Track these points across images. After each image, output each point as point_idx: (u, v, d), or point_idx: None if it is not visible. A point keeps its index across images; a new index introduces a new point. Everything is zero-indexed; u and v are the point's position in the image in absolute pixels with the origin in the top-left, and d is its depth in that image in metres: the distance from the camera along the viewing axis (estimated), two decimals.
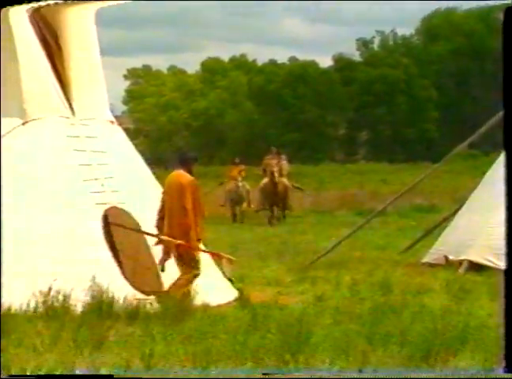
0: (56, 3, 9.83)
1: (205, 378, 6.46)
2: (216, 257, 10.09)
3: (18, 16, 9.69)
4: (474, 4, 56.51)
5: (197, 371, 6.49)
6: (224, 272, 10.09)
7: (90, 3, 10.15)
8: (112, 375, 6.32)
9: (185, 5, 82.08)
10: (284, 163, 23.20)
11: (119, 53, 71.15)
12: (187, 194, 9.30)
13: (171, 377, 6.41)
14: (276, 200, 22.23)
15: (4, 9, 9.34)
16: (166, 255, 9.38)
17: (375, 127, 55.07)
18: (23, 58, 9.71)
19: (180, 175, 9.50)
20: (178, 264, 9.40)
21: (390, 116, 54.13)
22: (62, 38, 10.03)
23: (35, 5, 9.64)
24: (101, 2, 10.29)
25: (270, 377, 6.35)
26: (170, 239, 9.29)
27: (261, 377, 6.34)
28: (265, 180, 22.68)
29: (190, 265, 9.33)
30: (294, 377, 6.34)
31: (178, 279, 9.34)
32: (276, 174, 22.25)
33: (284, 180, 22.72)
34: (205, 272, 9.93)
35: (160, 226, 9.47)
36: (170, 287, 9.36)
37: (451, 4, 59.20)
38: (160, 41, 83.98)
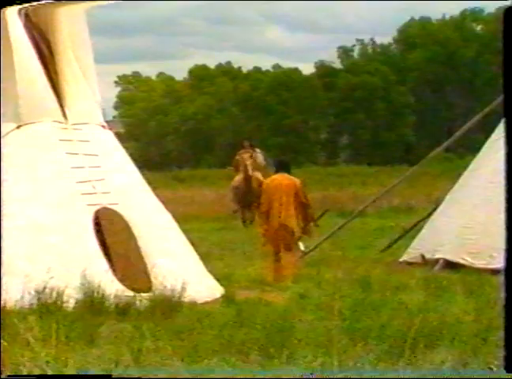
0: (48, 3, 9.83)
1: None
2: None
3: (14, 19, 9.73)
4: (447, 12, 57.07)
5: (184, 365, 6.49)
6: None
7: (82, 3, 10.20)
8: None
9: (172, 15, 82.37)
10: (259, 156, 20.56)
11: (110, 60, 71.30)
12: (300, 193, 11.51)
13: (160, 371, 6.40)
14: (249, 199, 18.65)
15: (3, 10, 9.35)
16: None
17: (355, 131, 55.38)
18: (19, 62, 9.76)
19: (289, 177, 11.66)
20: (287, 249, 11.63)
21: (369, 121, 54.45)
22: (54, 43, 10.10)
23: (29, 5, 9.57)
24: (92, 2, 10.35)
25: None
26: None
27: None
28: (238, 177, 20.29)
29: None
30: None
31: (289, 261, 11.61)
32: (249, 168, 19.61)
33: (258, 175, 19.50)
34: (192, 270, 10.21)
35: (264, 220, 11.68)
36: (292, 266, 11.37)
37: (426, 13, 59.62)
38: (149, 49, 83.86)
